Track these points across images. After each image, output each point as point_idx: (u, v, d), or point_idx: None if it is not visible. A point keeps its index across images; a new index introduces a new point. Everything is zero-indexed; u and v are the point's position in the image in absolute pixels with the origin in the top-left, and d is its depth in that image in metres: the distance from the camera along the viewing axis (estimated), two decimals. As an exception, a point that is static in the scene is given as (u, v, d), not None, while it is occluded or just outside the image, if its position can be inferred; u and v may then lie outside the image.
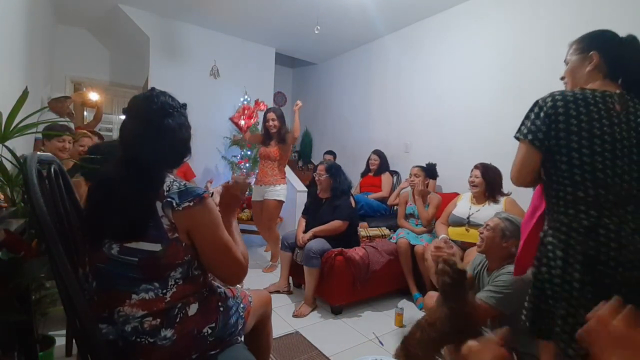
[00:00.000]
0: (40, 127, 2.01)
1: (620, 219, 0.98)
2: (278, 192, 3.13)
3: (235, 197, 1.11)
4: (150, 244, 0.85)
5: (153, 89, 0.99)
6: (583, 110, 1.01)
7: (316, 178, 2.75)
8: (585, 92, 1.04)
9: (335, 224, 2.54)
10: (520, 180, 1.13)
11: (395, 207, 3.40)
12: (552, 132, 1.03)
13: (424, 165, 3.06)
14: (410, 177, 2.93)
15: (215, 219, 0.92)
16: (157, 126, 0.92)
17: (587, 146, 1.00)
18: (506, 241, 1.58)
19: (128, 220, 0.86)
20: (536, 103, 1.08)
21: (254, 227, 3.76)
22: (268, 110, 3.23)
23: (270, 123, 3.12)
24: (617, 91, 1.04)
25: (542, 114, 1.05)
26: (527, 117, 1.10)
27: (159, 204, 0.86)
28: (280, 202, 3.17)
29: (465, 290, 1.22)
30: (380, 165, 3.91)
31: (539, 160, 1.08)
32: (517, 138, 1.11)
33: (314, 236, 2.52)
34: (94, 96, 3.71)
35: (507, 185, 2.41)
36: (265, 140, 3.23)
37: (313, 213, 2.72)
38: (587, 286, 0.99)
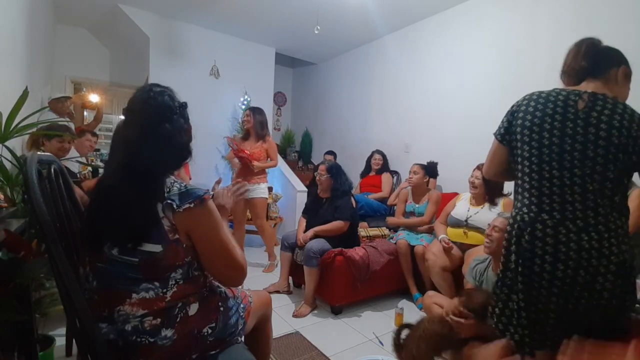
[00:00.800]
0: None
1: (563, 216, 0.98)
2: (263, 190, 3.19)
3: (219, 206, 1.08)
4: (151, 245, 0.85)
5: (151, 88, 0.96)
6: (540, 107, 1.06)
7: (317, 177, 2.75)
8: (552, 91, 1.08)
9: (337, 224, 2.54)
10: (488, 171, 1.23)
11: (395, 207, 3.40)
12: (512, 127, 1.12)
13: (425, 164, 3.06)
14: (409, 175, 2.94)
15: (216, 221, 0.91)
16: (155, 132, 0.90)
17: (537, 139, 1.04)
18: None
19: (129, 227, 0.85)
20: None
21: (254, 227, 3.75)
22: (247, 109, 3.38)
23: (245, 118, 3.27)
24: (590, 90, 1.03)
25: (509, 113, 1.15)
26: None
27: (159, 205, 0.86)
28: (266, 200, 3.27)
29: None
30: (382, 164, 3.92)
31: (505, 154, 1.16)
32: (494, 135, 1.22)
33: (315, 236, 2.52)
34: (94, 98, 3.71)
35: (507, 186, 2.41)
36: (244, 136, 3.33)
37: (314, 213, 2.72)
38: (520, 277, 1.02)
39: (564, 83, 1.16)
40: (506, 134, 1.14)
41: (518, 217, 1.05)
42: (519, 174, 1.09)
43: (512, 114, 1.13)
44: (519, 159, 1.09)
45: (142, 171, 0.89)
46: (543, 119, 1.04)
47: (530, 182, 1.04)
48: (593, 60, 1.08)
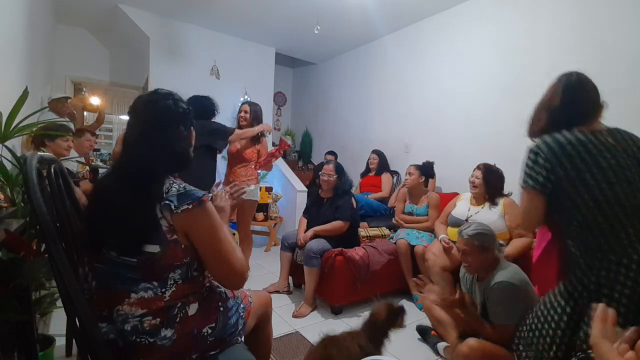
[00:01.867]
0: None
1: None
2: (254, 192, 2.95)
3: (219, 208, 1.07)
4: (150, 245, 0.85)
5: (156, 91, 0.97)
6: (580, 148, 1.01)
7: (324, 178, 2.67)
8: (571, 134, 1.04)
9: (337, 224, 2.54)
10: (529, 228, 1.15)
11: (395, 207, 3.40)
12: (558, 173, 1.02)
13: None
14: (405, 176, 2.94)
15: (214, 222, 0.91)
16: (154, 136, 0.91)
17: (603, 179, 0.98)
18: (488, 252, 1.61)
19: (129, 229, 0.85)
20: (530, 151, 1.08)
21: (255, 227, 3.75)
22: (244, 103, 3.10)
23: (242, 114, 2.97)
24: (597, 128, 1.06)
25: (540, 160, 1.04)
26: (525, 165, 1.09)
27: (157, 206, 0.86)
28: (256, 202, 3.03)
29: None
30: (379, 164, 3.92)
31: (544, 205, 1.06)
32: (522, 187, 1.11)
33: (315, 235, 2.52)
34: (95, 100, 3.71)
35: (508, 185, 2.41)
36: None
37: (314, 213, 2.72)
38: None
39: (545, 120, 1.13)
40: (547, 183, 1.03)
41: (624, 260, 0.94)
42: (598, 218, 0.98)
43: (548, 162, 1.02)
44: (591, 204, 0.99)
45: (140, 173, 0.89)
46: (595, 158, 0.99)
47: (620, 223, 0.96)
48: (587, 104, 1.09)
